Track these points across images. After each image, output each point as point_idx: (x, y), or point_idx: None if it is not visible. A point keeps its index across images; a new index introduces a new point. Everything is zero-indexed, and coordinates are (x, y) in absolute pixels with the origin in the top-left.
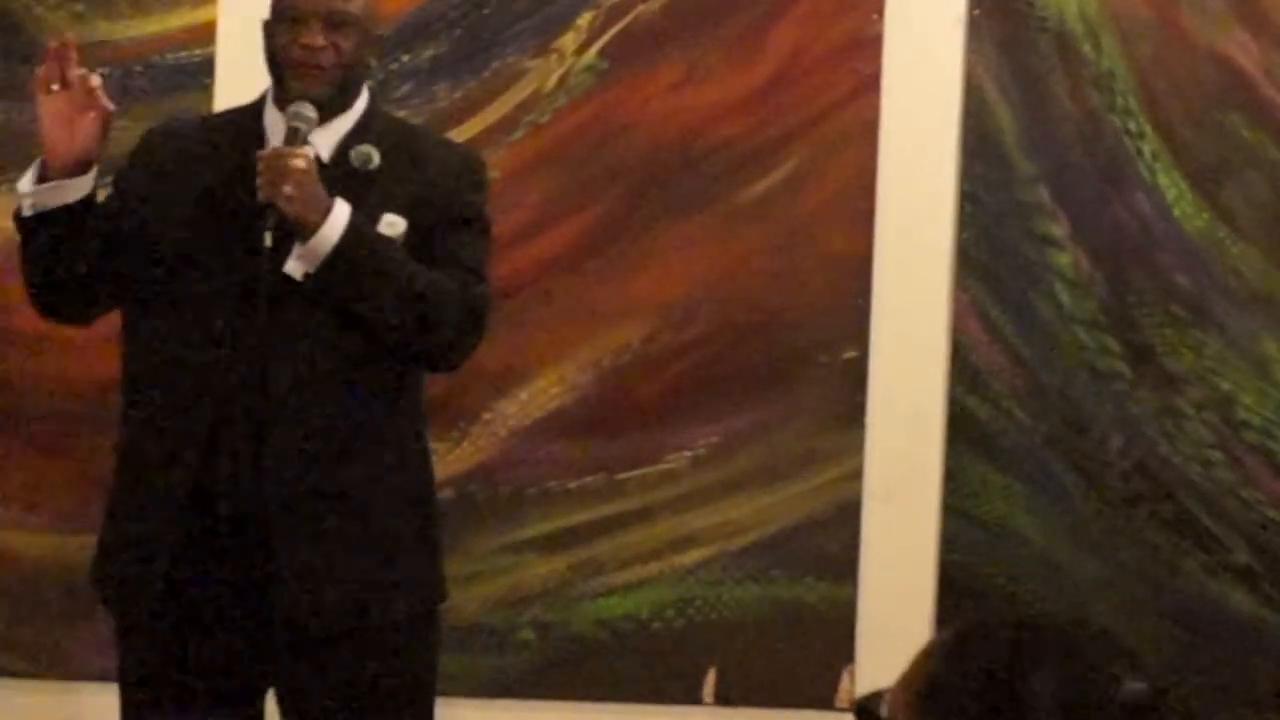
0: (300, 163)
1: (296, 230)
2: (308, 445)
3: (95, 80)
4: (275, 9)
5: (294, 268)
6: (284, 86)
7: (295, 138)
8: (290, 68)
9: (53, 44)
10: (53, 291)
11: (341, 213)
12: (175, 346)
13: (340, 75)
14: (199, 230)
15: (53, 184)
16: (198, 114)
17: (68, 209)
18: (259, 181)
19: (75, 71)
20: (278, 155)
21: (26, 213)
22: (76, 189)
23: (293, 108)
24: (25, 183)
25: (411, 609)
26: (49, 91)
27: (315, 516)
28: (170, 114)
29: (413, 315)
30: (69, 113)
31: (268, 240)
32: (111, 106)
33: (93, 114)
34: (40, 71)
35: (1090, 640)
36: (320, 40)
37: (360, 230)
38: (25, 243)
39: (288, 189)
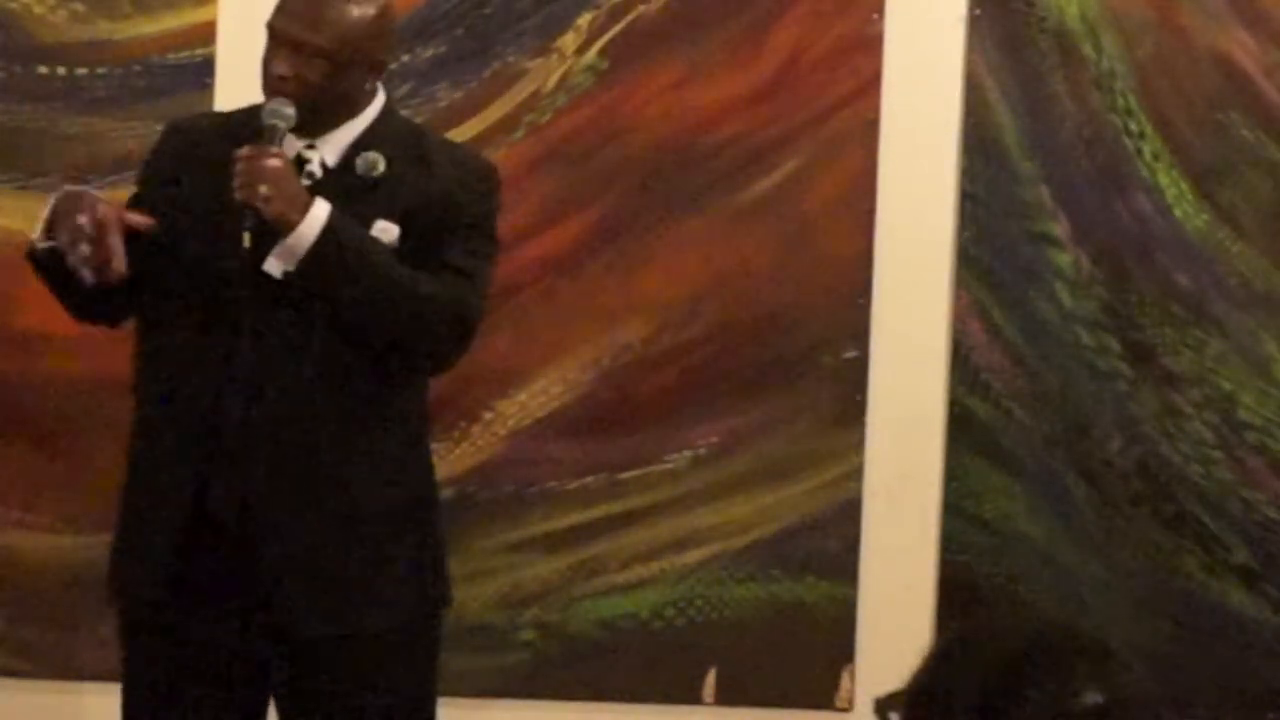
0: (275, 162)
1: (277, 229)
2: (298, 451)
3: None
4: None
5: (273, 265)
6: None
7: (273, 136)
8: (262, 87)
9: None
10: (78, 305)
11: (320, 211)
12: (175, 350)
13: (309, 102)
14: (200, 232)
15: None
16: (216, 111)
17: None
18: (235, 182)
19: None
20: (254, 155)
21: (40, 246)
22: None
23: (271, 105)
24: (39, 233)
25: (408, 615)
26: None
27: (306, 522)
28: (170, 114)
29: (394, 316)
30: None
31: (246, 240)
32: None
33: None
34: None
35: (1071, 651)
36: (285, 70)
37: (340, 229)
38: (39, 272)
39: (264, 189)
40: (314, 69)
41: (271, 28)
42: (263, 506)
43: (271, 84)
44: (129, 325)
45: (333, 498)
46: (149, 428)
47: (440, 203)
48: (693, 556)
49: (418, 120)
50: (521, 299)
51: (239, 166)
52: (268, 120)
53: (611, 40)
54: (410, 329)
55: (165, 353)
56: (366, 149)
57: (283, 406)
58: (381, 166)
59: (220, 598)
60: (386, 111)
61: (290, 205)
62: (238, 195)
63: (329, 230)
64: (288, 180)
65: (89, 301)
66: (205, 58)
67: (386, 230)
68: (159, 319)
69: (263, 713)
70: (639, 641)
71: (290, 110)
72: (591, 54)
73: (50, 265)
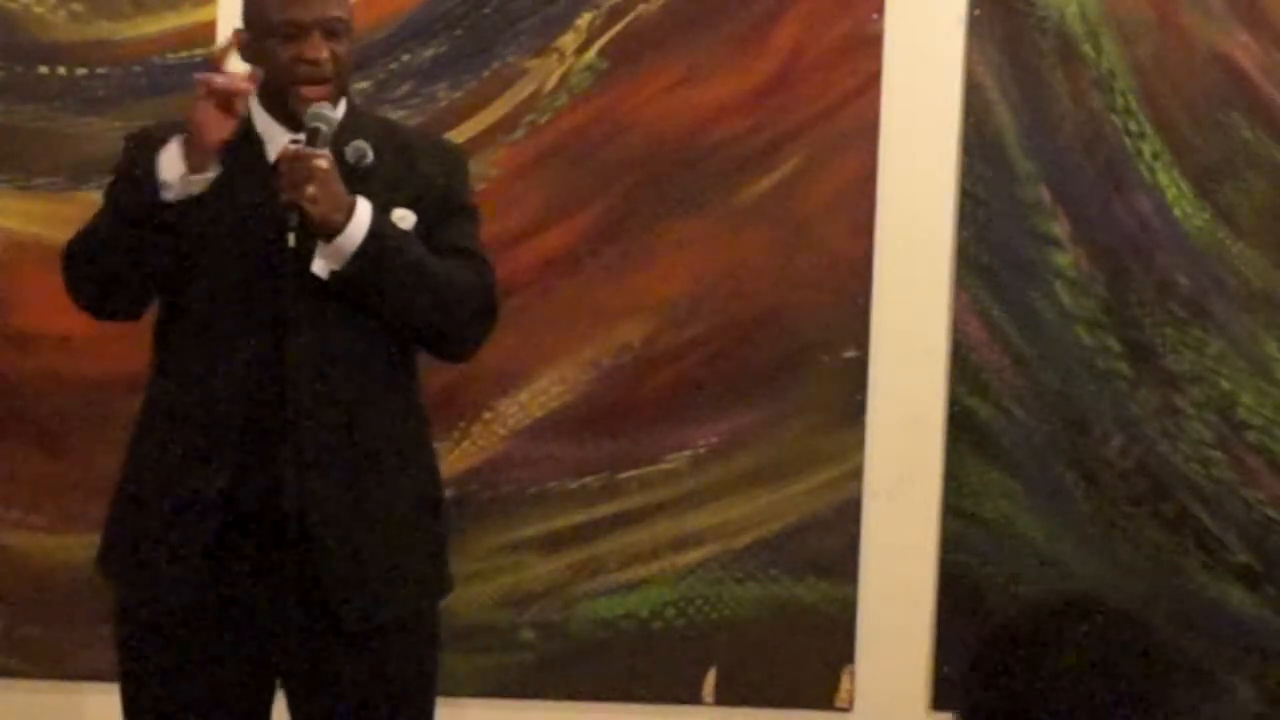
0: (323, 164)
1: (319, 230)
2: (334, 445)
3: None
4: (264, 24)
5: (320, 267)
6: (286, 101)
7: (317, 138)
8: (295, 83)
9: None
10: (131, 285)
11: (365, 210)
12: (206, 348)
13: (340, 81)
14: (208, 234)
15: (205, 175)
16: (175, 120)
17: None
18: (281, 183)
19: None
20: (300, 156)
21: (170, 198)
22: (207, 181)
23: (313, 109)
24: (170, 169)
25: (421, 602)
26: (207, 100)
27: (349, 516)
28: (170, 114)
29: (437, 307)
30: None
31: (291, 241)
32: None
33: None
34: (206, 83)
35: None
36: (324, 52)
37: (383, 226)
38: (135, 227)
39: (311, 190)
40: (342, 45)
41: (298, 21)
42: (303, 502)
43: (307, 72)
44: (125, 325)
45: (370, 491)
46: (173, 424)
47: (432, 190)
48: (693, 556)
49: (417, 121)
50: (521, 299)
51: (284, 168)
52: (310, 123)
53: (611, 40)
54: (449, 318)
55: (195, 350)
56: (349, 139)
57: (320, 400)
58: (370, 155)
59: (240, 594)
60: (352, 103)
61: (336, 207)
62: (284, 196)
63: (374, 230)
64: (333, 182)
65: (146, 281)
66: (205, 58)
67: (404, 218)
68: (184, 317)
69: (268, 707)
70: (639, 641)
71: (333, 113)
72: (591, 54)
73: (147, 224)
